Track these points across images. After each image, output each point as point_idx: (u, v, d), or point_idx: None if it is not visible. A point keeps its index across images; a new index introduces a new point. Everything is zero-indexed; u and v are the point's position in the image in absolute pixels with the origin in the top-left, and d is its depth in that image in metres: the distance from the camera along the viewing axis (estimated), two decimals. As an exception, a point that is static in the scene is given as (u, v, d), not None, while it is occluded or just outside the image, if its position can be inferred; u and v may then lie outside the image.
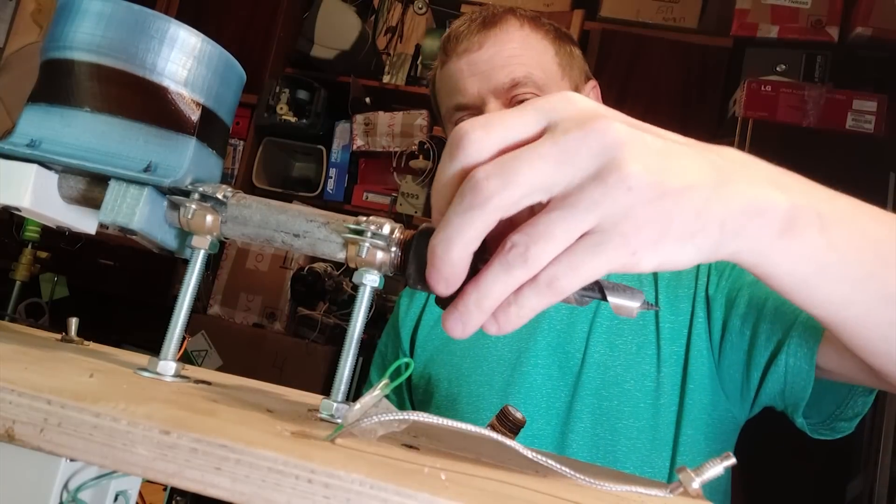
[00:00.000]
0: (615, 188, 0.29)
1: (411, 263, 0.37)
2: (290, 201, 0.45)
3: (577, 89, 0.84)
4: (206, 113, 0.45)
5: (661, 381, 0.75)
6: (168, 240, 0.45)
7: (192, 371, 0.47)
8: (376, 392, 0.33)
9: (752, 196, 0.32)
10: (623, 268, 0.31)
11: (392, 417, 0.31)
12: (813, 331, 0.63)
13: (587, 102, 0.33)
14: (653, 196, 0.30)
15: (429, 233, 0.35)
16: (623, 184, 0.29)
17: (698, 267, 0.79)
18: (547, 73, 0.80)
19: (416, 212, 2.33)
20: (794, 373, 0.65)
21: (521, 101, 0.76)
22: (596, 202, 0.30)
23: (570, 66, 0.84)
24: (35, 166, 0.42)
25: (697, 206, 0.31)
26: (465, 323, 0.32)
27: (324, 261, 2.20)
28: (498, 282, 0.31)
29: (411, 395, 0.92)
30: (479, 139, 0.32)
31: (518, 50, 0.79)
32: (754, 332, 0.70)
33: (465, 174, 0.32)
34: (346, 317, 2.11)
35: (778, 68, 2.04)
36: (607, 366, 0.77)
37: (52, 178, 0.44)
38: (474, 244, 0.32)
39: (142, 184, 0.42)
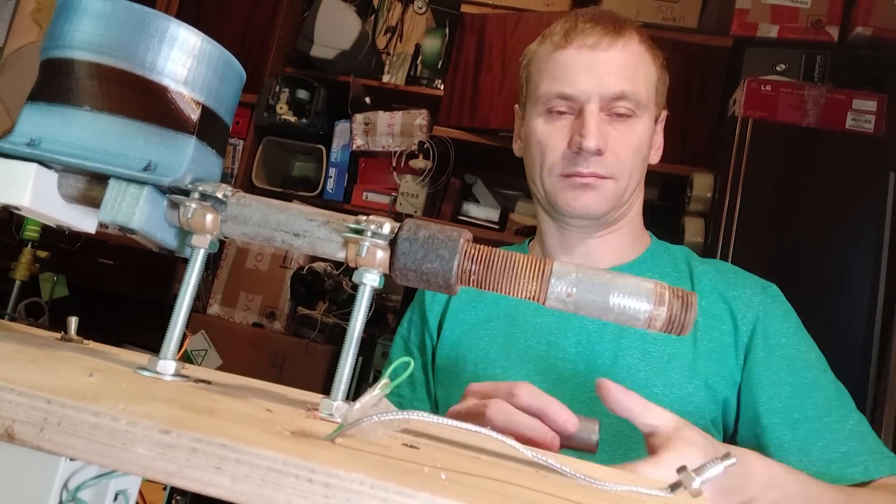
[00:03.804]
0: None
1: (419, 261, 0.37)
2: (290, 201, 0.45)
3: (657, 118, 0.87)
4: (206, 112, 0.45)
5: (690, 392, 0.78)
6: (168, 239, 0.45)
7: (192, 370, 0.47)
8: (376, 392, 0.33)
9: None
10: None
11: (392, 417, 0.31)
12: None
13: None
14: None
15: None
16: None
17: (734, 318, 0.83)
18: (648, 95, 0.82)
19: (416, 211, 2.32)
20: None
21: (618, 114, 0.80)
22: None
23: (661, 95, 0.87)
24: (35, 165, 0.42)
25: None
26: None
27: (324, 260, 2.20)
28: None
29: (430, 378, 0.93)
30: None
31: (633, 64, 0.81)
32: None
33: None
34: (346, 316, 2.11)
35: (778, 68, 2.04)
36: (637, 369, 0.79)
37: (51, 177, 0.44)
38: None
39: (141, 183, 0.42)
